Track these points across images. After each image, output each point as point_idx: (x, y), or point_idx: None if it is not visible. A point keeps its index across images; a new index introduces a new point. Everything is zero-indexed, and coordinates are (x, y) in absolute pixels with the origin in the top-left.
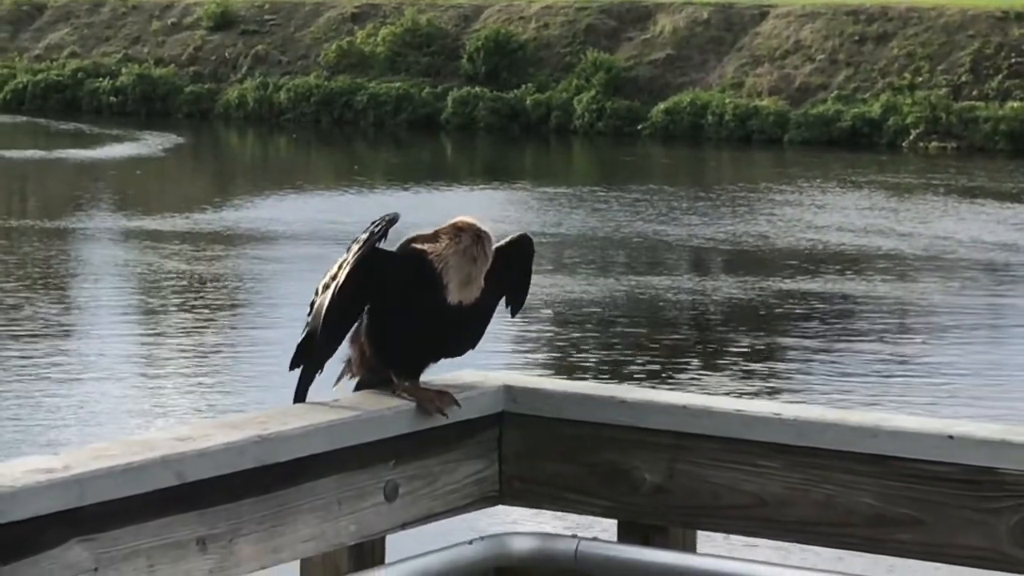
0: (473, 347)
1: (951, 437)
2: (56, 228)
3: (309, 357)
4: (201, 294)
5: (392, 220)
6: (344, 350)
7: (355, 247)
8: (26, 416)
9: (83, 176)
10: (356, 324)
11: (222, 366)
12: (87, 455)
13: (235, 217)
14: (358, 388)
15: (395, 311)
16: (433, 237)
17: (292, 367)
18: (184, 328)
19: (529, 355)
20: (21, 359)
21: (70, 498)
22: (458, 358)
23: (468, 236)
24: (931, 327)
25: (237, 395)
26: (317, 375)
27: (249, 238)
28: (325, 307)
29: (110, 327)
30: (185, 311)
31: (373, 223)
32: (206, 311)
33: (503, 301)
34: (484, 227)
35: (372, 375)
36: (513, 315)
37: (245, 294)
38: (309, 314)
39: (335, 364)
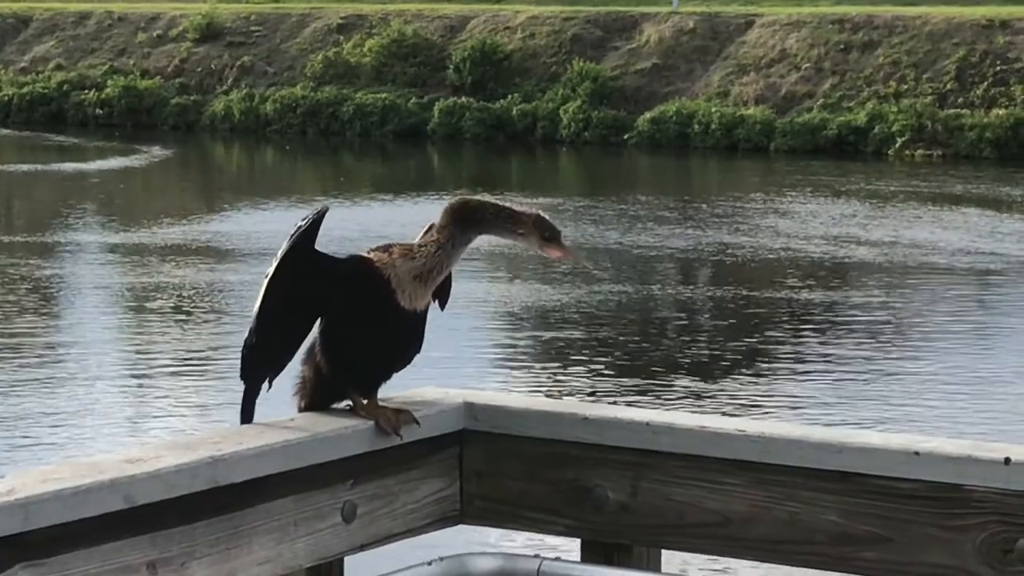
0: (419, 351)
1: (917, 453)
2: (41, 242)
3: (252, 368)
4: (188, 306)
5: (322, 212)
6: (297, 370)
7: (285, 241)
8: (9, 435)
9: (68, 189)
10: (309, 344)
11: (212, 378)
12: (33, 479)
13: (221, 229)
14: (307, 409)
15: (348, 321)
16: (385, 248)
17: (242, 376)
18: (171, 342)
19: (508, 369)
20: (6, 375)
21: (15, 523)
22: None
23: (425, 247)
24: (915, 337)
25: (226, 409)
26: (264, 388)
27: (235, 250)
28: (257, 304)
29: (96, 340)
30: (172, 323)
31: (302, 219)
32: (193, 323)
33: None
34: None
35: (326, 396)
36: (442, 308)
37: (232, 305)
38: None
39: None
